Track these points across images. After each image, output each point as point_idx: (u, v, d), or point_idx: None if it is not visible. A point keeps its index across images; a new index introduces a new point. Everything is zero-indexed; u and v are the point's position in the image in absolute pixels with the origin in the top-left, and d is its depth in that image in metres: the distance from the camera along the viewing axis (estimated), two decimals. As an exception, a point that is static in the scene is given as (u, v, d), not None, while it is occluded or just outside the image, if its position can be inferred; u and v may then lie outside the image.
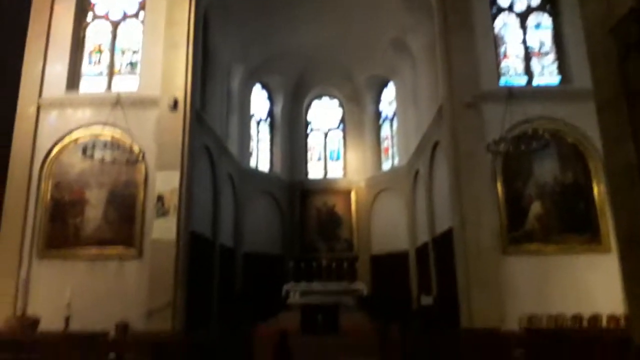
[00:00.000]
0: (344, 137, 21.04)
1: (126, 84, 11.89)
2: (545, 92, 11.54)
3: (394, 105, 19.46)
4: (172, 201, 10.58)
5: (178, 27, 11.64)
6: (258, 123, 19.83)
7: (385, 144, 20.08)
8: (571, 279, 10.17)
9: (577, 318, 9.53)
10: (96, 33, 12.41)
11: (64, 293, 9.32)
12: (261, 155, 19.71)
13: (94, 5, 12.53)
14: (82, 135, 11.16)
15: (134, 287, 10.27)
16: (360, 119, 20.72)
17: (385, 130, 20.22)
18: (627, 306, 4.56)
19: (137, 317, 9.80)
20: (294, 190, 19.77)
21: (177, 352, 5.71)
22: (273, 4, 15.64)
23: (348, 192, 19.74)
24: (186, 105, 11.20)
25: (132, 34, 12.32)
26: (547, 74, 12.14)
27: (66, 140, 11.20)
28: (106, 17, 12.46)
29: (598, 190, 10.59)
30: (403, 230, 17.43)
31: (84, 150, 9.85)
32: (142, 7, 12.34)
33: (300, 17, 16.50)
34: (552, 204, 10.61)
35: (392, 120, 19.71)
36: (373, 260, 18.79)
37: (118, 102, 11.10)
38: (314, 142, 21.24)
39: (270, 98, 20.47)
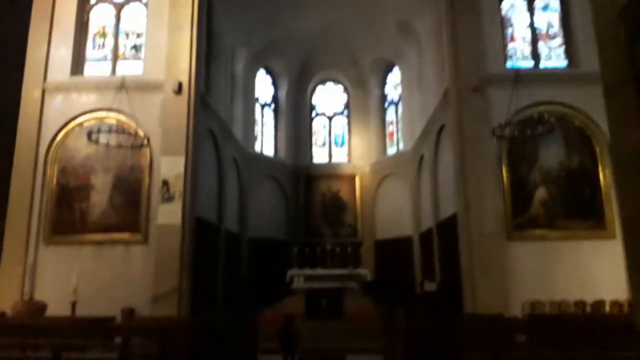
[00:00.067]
0: (349, 122, 20.95)
1: (130, 68, 11.82)
2: (552, 76, 11.38)
3: (399, 90, 19.33)
4: (177, 186, 10.59)
5: (182, 9, 11.52)
6: (262, 107, 19.75)
7: (390, 128, 19.98)
8: (575, 264, 10.16)
9: (581, 304, 9.52)
10: (100, 16, 12.27)
11: (71, 279, 9.42)
12: (266, 140, 19.66)
13: (97, -13, 12.39)
14: (87, 119, 11.15)
15: (139, 273, 10.34)
16: (365, 104, 20.60)
17: (390, 115, 20.11)
18: (630, 292, 4.55)
19: (143, 302, 9.89)
20: (298, 175, 19.77)
21: (183, 337, 5.76)
22: (277, -14, 15.47)
23: (353, 177, 19.72)
24: (190, 88, 11.13)
25: (135, 17, 12.18)
26: (554, 57, 11.95)
27: (71, 124, 11.17)
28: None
29: (604, 175, 10.51)
30: (407, 216, 17.44)
31: (89, 135, 9.84)
32: (145, -11, 12.19)
33: (305, 1, 16.31)
34: (557, 189, 10.55)
35: (397, 104, 19.59)
36: (377, 245, 18.83)
37: (123, 86, 11.07)
38: (318, 126, 21.16)
39: (274, 83, 20.35)
